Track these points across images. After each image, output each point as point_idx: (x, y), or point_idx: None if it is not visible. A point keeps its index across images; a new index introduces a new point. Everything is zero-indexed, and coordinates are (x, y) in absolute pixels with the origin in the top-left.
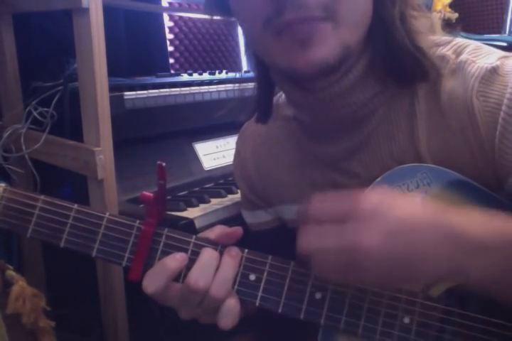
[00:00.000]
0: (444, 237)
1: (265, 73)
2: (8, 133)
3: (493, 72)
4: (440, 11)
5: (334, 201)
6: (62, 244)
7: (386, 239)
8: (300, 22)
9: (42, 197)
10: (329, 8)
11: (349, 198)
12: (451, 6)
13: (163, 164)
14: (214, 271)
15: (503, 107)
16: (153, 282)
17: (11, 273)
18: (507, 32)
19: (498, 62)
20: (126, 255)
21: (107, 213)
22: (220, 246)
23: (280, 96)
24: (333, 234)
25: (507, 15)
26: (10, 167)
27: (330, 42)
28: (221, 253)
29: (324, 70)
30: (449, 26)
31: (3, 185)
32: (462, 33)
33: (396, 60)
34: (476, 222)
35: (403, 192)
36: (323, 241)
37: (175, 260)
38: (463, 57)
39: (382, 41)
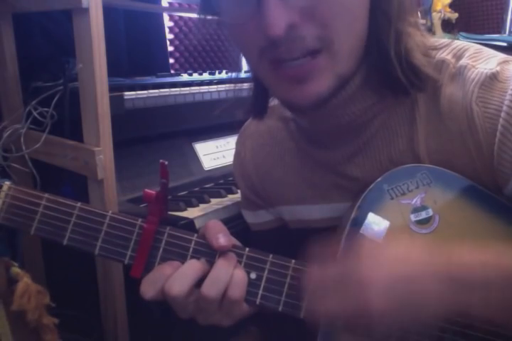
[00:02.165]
0: (440, 282)
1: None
2: (8, 133)
3: (493, 78)
4: (440, 11)
5: (329, 266)
6: (65, 242)
7: (387, 294)
8: (295, 61)
9: (46, 195)
10: (324, 39)
11: (342, 263)
12: (451, 6)
13: (166, 163)
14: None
15: (503, 114)
16: (150, 288)
17: (16, 270)
18: (507, 32)
19: (498, 68)
20: (129, 253)
21: (110, 211)
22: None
23: None
24: (336, 298)
25: (507, 15)
26: (10, 167)
27: (325, 76)
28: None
29: (320, 101)
30: (449, 26)
31: (8, 183)
32: (462, 33)
33: (390, 76)
34: (470, 259)
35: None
36: (329, 307)
37: (171, 267)
38: (463, 61)
39: (376, 59)
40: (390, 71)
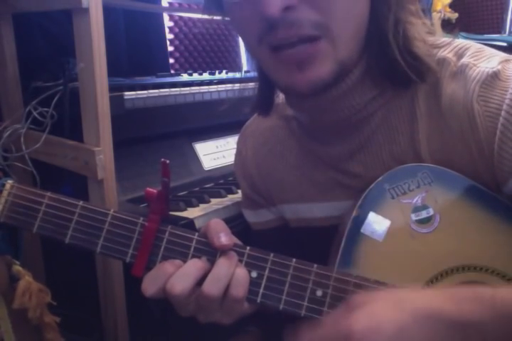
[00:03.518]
0: (440, 331)
1: (265, 76)
2: (8, 133)
3: (494, 76)
4: (440, 11)
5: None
6: (67, 240)
7: None
8: (295, 45)
9: (48, 193)
10: (322, 26)
11: (333, 325)
12: (451, 6)
13: (167, 161)
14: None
15: (503, 113)
16: (151, 286)
17: (17, 268)
18: (507, 32)
19: (499, 67)
20: (130, 251)
21: (112, 210)
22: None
23: (280, 96)
24: None
25: (507, 15)
26: (10, 167)
27: (326, 62)
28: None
29: (321, 87)
30: (449, 26)
31: (10, 181)
32: (462, 33)
33: (391, 66)
34: (466, 301)
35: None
36: None
37: (173, 265)
38: (464, 60)
39: (377, 47)
40: (391, 60)
